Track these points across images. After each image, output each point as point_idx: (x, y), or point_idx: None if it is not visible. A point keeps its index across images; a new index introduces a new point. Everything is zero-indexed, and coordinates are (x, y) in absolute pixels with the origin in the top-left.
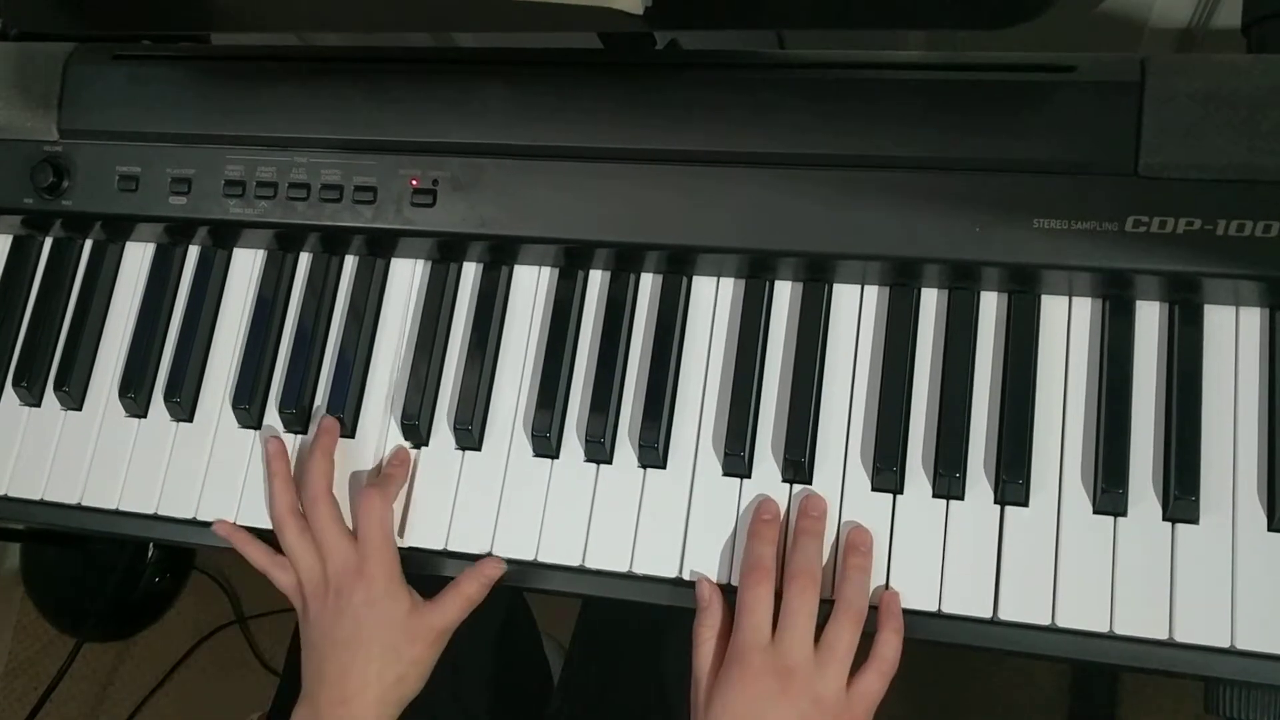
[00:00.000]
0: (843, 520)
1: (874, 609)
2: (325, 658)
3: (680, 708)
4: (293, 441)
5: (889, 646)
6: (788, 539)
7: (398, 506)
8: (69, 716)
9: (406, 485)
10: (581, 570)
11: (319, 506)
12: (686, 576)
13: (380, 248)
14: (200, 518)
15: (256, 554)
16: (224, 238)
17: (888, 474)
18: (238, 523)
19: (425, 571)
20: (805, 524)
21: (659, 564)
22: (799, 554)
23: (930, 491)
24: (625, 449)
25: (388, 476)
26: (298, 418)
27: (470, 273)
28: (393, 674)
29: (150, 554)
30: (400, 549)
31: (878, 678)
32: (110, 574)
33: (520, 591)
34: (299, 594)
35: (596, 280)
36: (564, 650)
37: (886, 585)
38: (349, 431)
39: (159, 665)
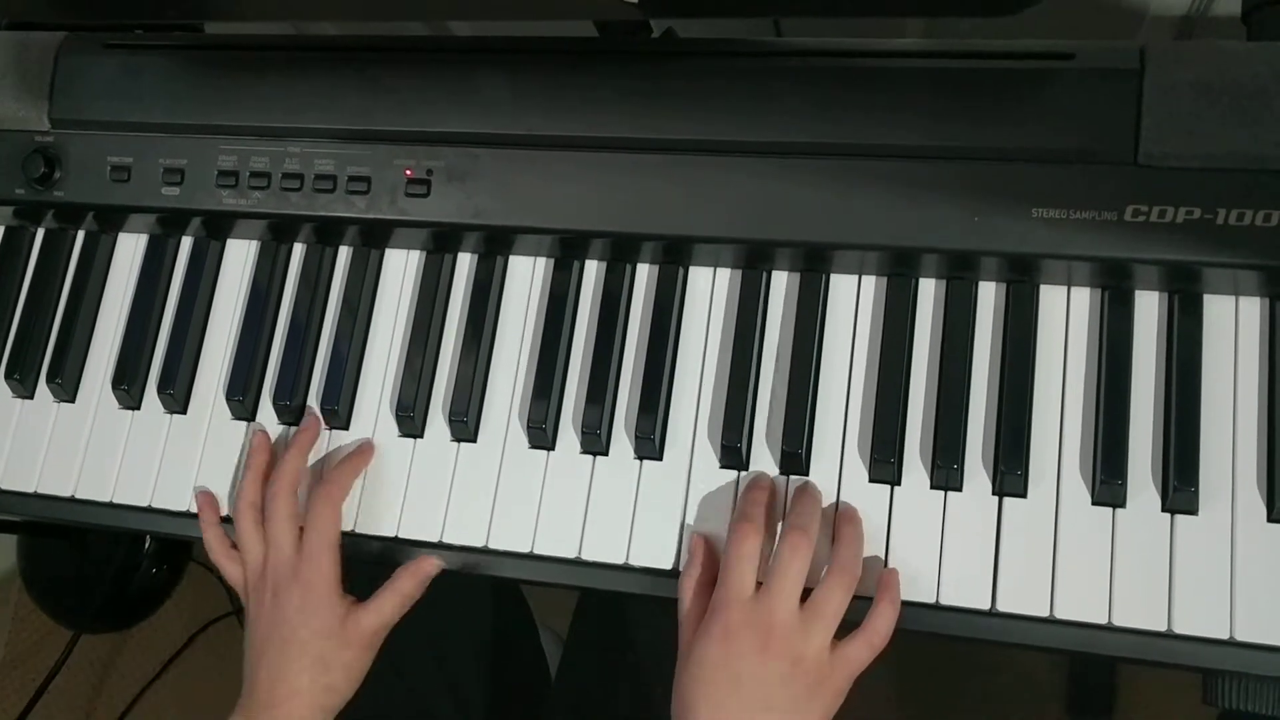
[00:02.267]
0: (840, 512)
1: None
2: (259, 663)
3: None
4: (286, 434)
5: (883, 619)
6: (781, 522)
7: (395, 500)
8: (67, 708)
9: (405, 478)
10: (578, 562)
11: (277, 500)
12: (682, 563)
13: (374, 238)
14: (194, 510)
15: (214, 539)
16: (217, 228)
17: (885, 465)
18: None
19: None
20: (803, 493)
21: (655, 556)
22: (797, 513)
23: (928, 483)
24: (621, 441)
25: (335, 480)
26: (292, 409)
27: (465, 263)
28: (322, 682)
29: (147, 546)
30: (395, 541)
31: (865, 647)
32: (107, 566)
33: (516, 584)
34: (244, 590)
35: (592, 271)
36: (562, 642)
37: None
38: (343, 423)
39: (156, 657)
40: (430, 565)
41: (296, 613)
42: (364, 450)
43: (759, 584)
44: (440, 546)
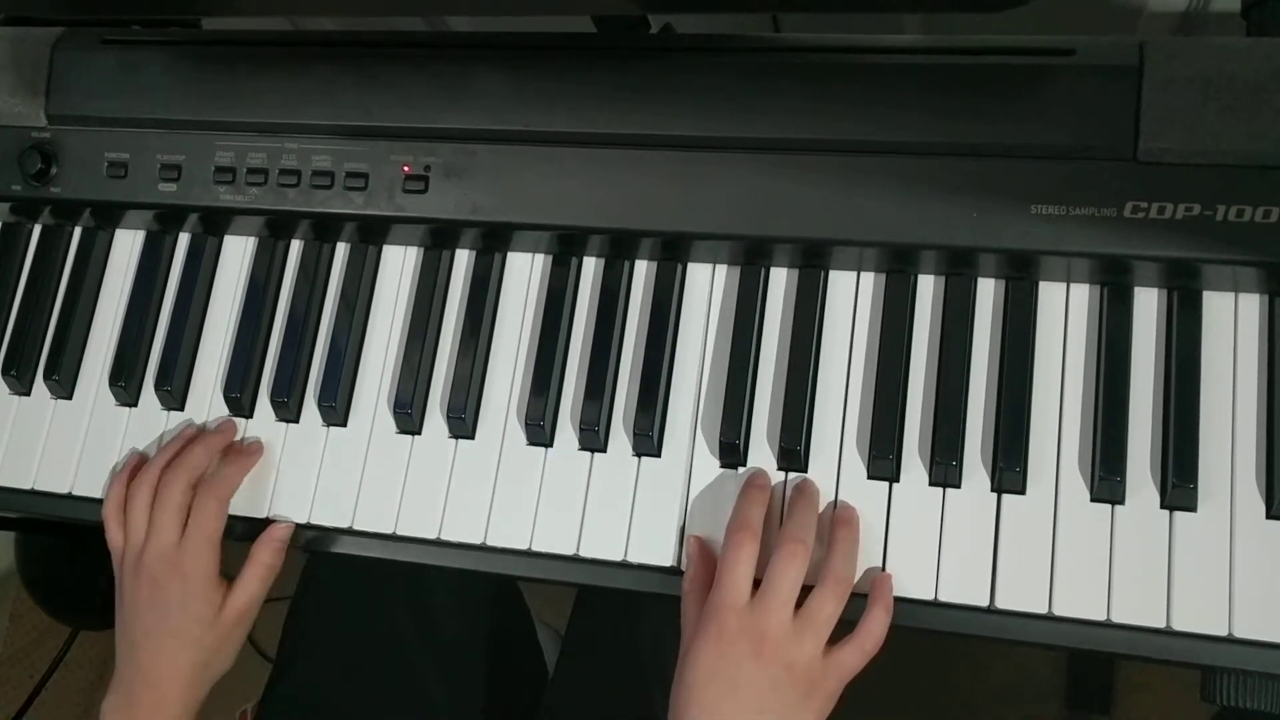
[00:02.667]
0: (836, 515)
1: (860, 596)
2: (136, 644)
3: None
4: (283, 430)
5: (876, 624)
6: (781, 517)
7: (393, 497)
8: (65, 705)
9: (403, 474)
10: (576, 559)
11: (170, 488)
12: (683, 566)
13: (372, 235)
14: None
15: (114, 498)
16: (214, 225)
17: (884, 462)
18: (231, 512)
19: (418, 560)
20: (800, 499)
21: (654, 553)
22: (793, 521)
23: (927, 479)
24: (619, 437)
25: (223, 477)
26: (289, 406)
27: (463, 259)
28: (201, 659)
29: None
30: (394, 539)
31: (858, 653)
32: (105, 562)
33: (513, 580)
34: (120, 561)
35: (591, 267)
36: (559, 639)
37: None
38: (341, 420)
39: None
40: (281, 531)
41: (175, 602)
42: (253, 449)
43: (757, 582)
44: (438, 544)
